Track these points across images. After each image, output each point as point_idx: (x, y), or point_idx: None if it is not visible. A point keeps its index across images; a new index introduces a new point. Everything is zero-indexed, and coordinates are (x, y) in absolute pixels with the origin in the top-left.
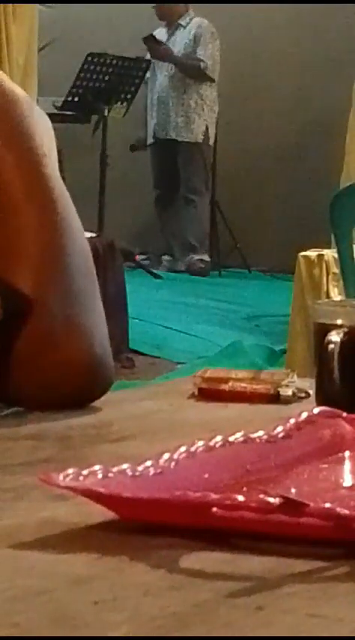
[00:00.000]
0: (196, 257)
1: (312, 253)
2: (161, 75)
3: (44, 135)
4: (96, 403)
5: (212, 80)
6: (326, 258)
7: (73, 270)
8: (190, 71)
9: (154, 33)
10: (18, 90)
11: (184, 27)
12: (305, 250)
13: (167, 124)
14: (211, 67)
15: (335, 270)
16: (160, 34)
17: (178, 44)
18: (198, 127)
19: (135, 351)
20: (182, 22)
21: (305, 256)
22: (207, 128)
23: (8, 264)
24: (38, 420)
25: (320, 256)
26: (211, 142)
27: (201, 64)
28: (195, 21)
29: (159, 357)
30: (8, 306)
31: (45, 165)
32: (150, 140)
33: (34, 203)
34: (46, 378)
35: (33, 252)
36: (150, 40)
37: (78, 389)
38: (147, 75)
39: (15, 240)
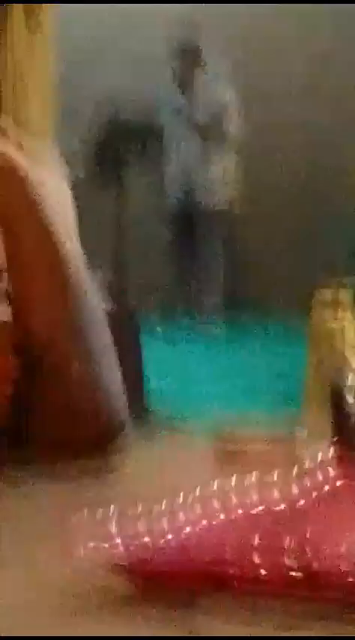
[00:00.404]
0: (209, 319)
1: (328, 297)
2: (185, 144)
3: (59, 198)
4: (112, 462)
5: (236, 151)
6: (342, 299)
7: (87, 326)
8: (215, 140)
9: (172, 100)
10: (28, 161)
11: (205, 94)
12: (322, 292)
13: (190, 193)
14: (237, 137)
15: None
16: (176, 101)
17: (199, 112)
18: (223, 196)
19: (151, 412)
20: (203, 89)
21: (320, 300)
22: (231, 197)
23: (25, 323)
24: (50, 472)
25: (336, 300)
26: (235, 209)
27: (227, 135)
28: (216, 87)
29: (175, 418)
30: (25, 361)
31: (57, 235)
32: (172, 210)
33: (48, 274)
34: (62, 431)
35: (47, 310)
36: (179, 110)
37: (94, 445)
38: (168, 142)
39: (31, 300)
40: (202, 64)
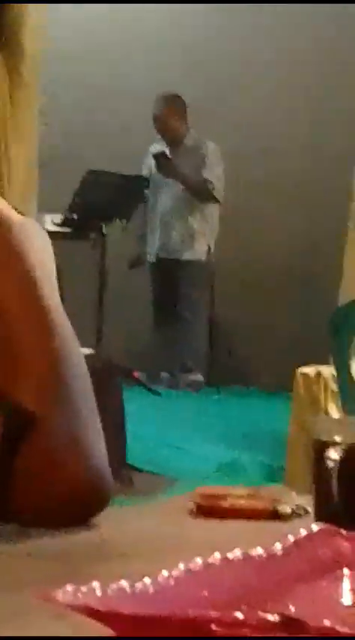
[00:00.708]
0: (191, 377)
1: (311, 370)
2: (165, 195)
3: (42, 254)
4: (96, 520)
5: (218, 201)
6: (324, 374)
7: (73, 390)
8: (197, 191)
9: (155, 150)
10: (12, 214)
11: (188, 146)
12: (304, 367)
13: (169, 243)
14: (218, 189)
15: (334, 387)
16: (162, 148)
17: (184, 164)
18: (202, 247)
19: (134, 468)
20: (187, 142)
21: (303, 373)
22: (209, 247)
23: (12, 385)
24: (36, 536)
25: (319, 373)
26: (212, 260)
27: (210, 186)
28: (199, 140)
29: (157, 474)
30: (11, 424)
31: (40, 288)
32: (151, 259)
33: (32, 329)
34: (46, 495)
35: (35, 375)
36: (163, 157)
37: (78, 506)
38: (146, 192)
39: (17, 364)
40: (186, 114)
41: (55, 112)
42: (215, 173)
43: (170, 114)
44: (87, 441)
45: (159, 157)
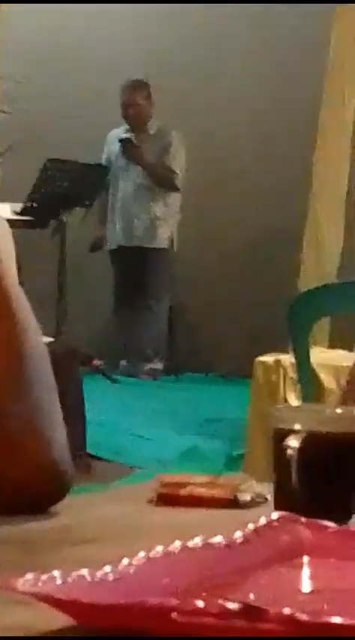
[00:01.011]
0: (148, 365)
1: (269, 358)
2: (126, 182)
3: (2, 241)
4: (56, 507)
5: (178, 190)
6: (283, 363)
7: (31, 378)
8: (160, 180)
9: (109, 136)
10: None
11: (152, 134)
12: (264, 354)
13: (131, 230)
14: (180, 178)
15: (293, 375)
16: (113, 136)
17: (147, 151)
18: (164, 234)
19: (93, 456)
20: (150, 129)
21: (262, 361)
22: (171, 234)
23: None
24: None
25: (278, 361)
26: (175, 248)
27: (174, 175)
28: (162, 129)
29: (117, 462)
30: None
31: (1, 275)
32: (112, 246)
33: None
34: (5, 484)
35: None
36: (128, 142)
37: (37, 494)
38: (112, 178)
39: None
40: (152, 100)
41: (15, 100)
42: (178, 162)
43: (139, 100)
44: (45, 428)
45: (125, 143)
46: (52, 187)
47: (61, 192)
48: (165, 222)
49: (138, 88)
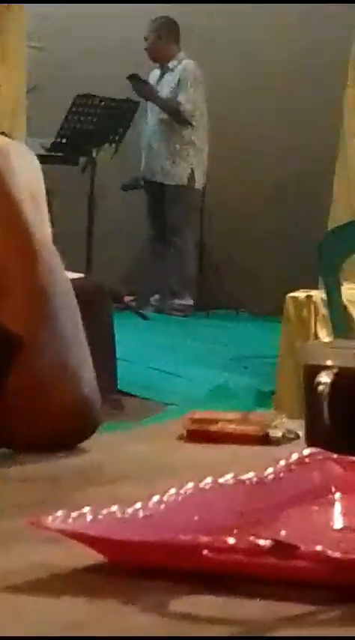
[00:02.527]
0: (178, 301)
1: (301, 294)
2: (152, 117)
3: (30, 177)
4: (85, 445)
5: (190, 124)
6: (314, 299)
7: (58, 313)
8: (171, 114)
9: (150, 75)
10: None
11: (172, 70)
12: (294, 291)
13: (154, 166)
14: (190, 112)
15: (324, 311)
16: (153, 75)
17: (165, 87)
18: (183, 171)
19: (124, 393)
20: (170, 65)
21: (293, 297)
22: (192, 171)
23: None
24: (27, 461)
25: (309, 297)
26: (197, 185)
27: (181, 107)
28: (182, 64)
29: (147, 399)
30: None
31: (23, 211)
32: (141, 182)
33: (14, 249)
34: (34, 420)
35: (18, 297)
36: (135, 79)
37: (66, 431)
38: (140, 116)
39: (1, 288)
40: (178, 39)
41: (45, 36)
42: (189, 96)
43: (157, 37)
44: (74, 364)
45: (132, 79)
46: (82, 122)
47: (91, 127)
48: (184, 159)
49: (156, 24)
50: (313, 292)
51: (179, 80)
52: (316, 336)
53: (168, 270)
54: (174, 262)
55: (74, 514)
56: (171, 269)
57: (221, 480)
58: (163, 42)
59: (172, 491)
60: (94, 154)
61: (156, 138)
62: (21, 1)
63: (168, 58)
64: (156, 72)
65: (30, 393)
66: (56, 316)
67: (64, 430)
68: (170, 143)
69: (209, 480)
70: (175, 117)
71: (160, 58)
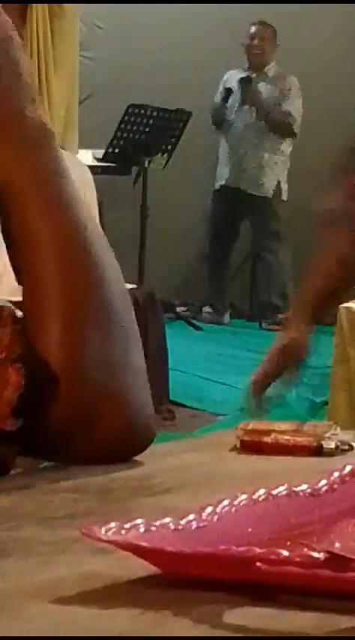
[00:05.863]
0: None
1: (354, 305)
2: (239, 123)
3: (84, 186)
4: (138, 456)
5: (295, 136)
6: None
7: (115, 324)
8: (276, 124)
9: (224, 81)
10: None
11: (270, 77)
12: (348, 302)
13: (240, 173)
14: (298, 123)
15: None
16: (230, 81)
17: (264, 94)
18: (270, 182)
19: (176, 403)
20: (269, 72)
21: (347, 307)
22: (278, 182)
23: (36, 324)
24: (78, 472)
25: None
26: (283, 197)
27: (290, 119)
28: (281, 73)
29: (200, 409)
30: (36, 373)
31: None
32: (217, 186)
33: (71, 263)
34: (84, 443)
35: (62, 307)
36: (247, 83)
37: (119, 448)
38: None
39: (43, 295)
40: (275, 43)
41: (97, 46)
42: (296, 108)
43: (265, 39)
44: (127, 381)
45: (245, 82)
46: (134, 132)
47: (143, 137)
48: (271, 170)
49: (264, 26)
50: None
51: (281, 90)
52: None
53: (260, 286)
54: (267, 277)
55: (127, 525)
56: (265, 285)
57: (274, 492)
58: (272, 48)
59: (225, 502)
60: (146, 164)
61: (244, 145)
62: (72, 1)
63: (267, 63)
64: (233, 72)
65: (78, 417)
66: (113, 324)
67: (116, 448)
68: (258, 152)
69: (262, 491)
70: (280, 127)
71: (265, 63)
